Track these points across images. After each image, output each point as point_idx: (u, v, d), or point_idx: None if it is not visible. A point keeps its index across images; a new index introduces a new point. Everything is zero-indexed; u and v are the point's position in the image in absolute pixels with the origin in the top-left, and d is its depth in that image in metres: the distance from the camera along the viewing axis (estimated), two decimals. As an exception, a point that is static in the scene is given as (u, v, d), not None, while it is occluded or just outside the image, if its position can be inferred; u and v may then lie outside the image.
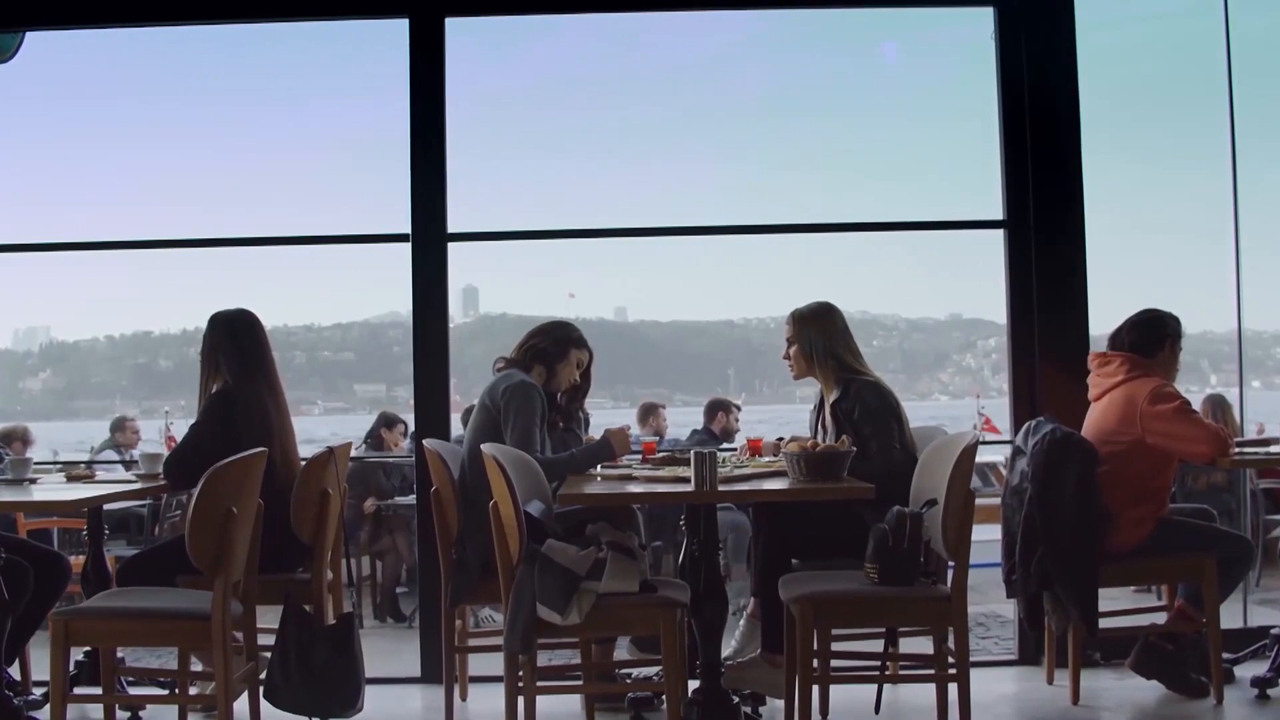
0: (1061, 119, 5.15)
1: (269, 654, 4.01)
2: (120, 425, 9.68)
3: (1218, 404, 8.06)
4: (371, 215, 5.24)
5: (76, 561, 4.76)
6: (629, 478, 4.08)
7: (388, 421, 8.43)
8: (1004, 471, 9.59)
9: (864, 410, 4.33)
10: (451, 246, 5.23)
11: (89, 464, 7.25)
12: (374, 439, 8.47)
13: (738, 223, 5.60)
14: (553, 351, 4.56)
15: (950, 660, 3.84)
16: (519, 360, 4.54)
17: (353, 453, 8.30)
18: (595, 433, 4.71)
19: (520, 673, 3.69)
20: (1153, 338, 4.51)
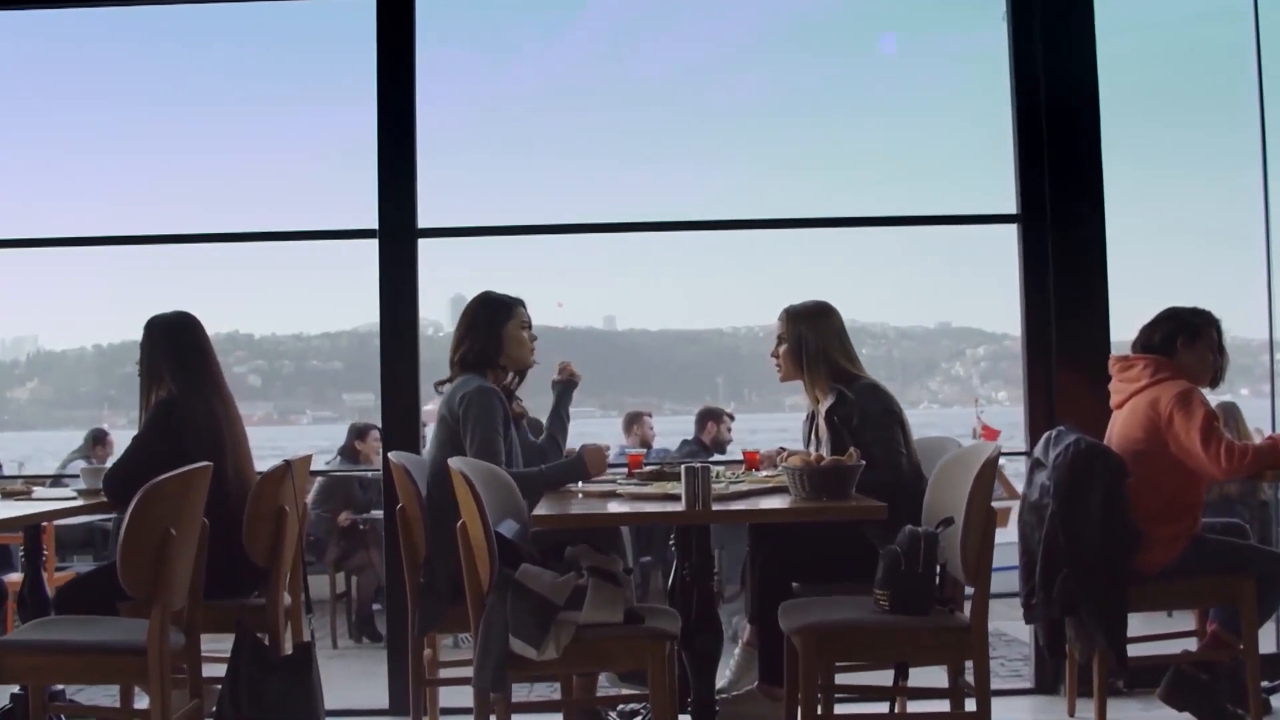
0: (1079, 104, 4.83)
1: (221, 687, 3.68)
2: (102, 439, 9.29)
3: (1229, 412, 7.76)
4: (360, 217, 4.88)
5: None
6: (613, 495, 3.71)
7: (358, 432, 8.09)
8: (1009, 477, 9.34)
9: (864, 416, 4.00)
10: (427, 245, 4.89)
11: (57, 477, 6.90)
12: (348, 452, 8.12)
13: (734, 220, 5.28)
14: (488, 349, 4.14)
15: (967, 694, 3.50)
16: (458, 376, 4.14)
17: (326, 466, 8.09)
18: (575, 441, 4.37)
19: (493, 713, 3.33)
20: (1163, 336, 4.18)
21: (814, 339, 4.13)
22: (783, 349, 4.20)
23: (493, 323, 4.15)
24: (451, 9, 5.19)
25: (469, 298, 4.24)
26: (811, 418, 4.27)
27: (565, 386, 4.43)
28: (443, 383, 4.18)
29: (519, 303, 4.22)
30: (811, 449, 4.20)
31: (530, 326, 4.23)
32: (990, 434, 13.22)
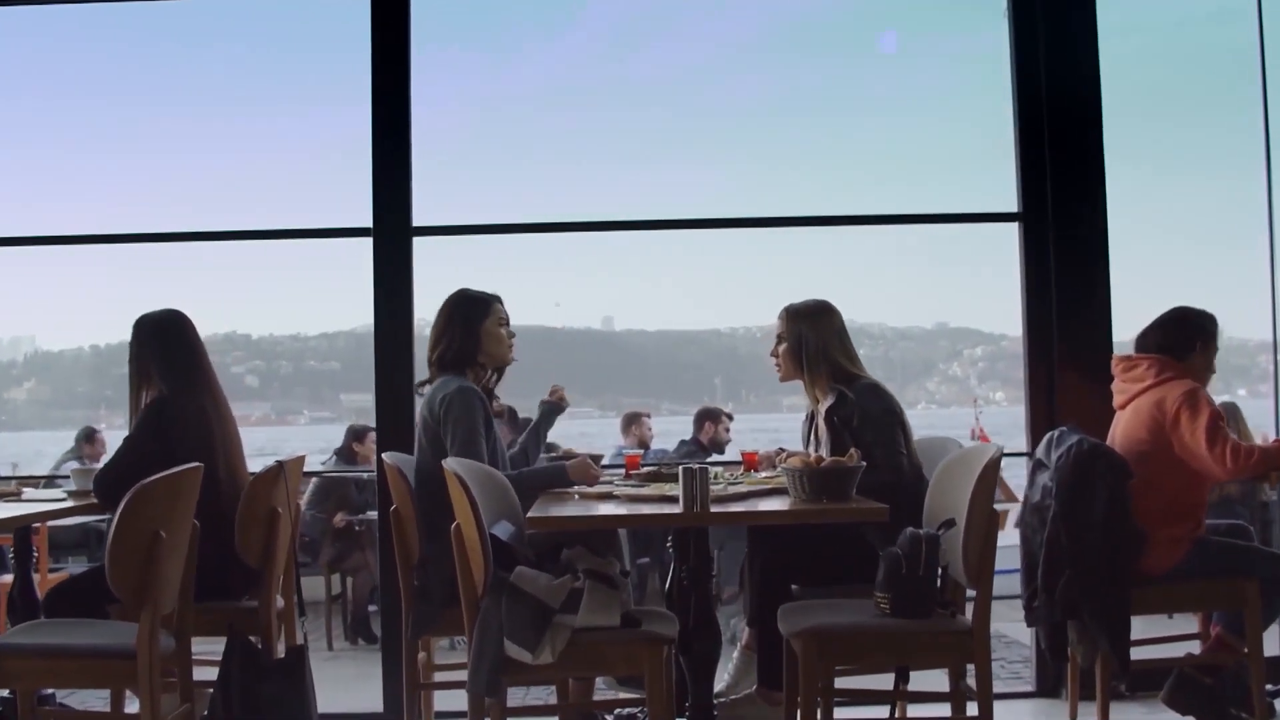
0: (1082, 100, 4.79)
1: (212, 691, 3.62)
2: (90, 437, 9.25)
3: (1231, 413, 7.70)
4: (358, 217, 4.81)
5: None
6: (609, 496, 3.65)
7: (357, 434, 8.03)
8: (1005, 480, 9.29)
9: (864, 416, 3.94)
10: (424, 245, 4.83)
11: (50, 478, 6.85)
12: (345, 453, 8.07)
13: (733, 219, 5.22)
14: (466, 347, 4.05)
15: (969, 697, 3.44)
16: (437, 377, 4.06)
17: (321, 468, 8.03)
18: (575, 443, 4.31)
19: (488, 717, 3.27)
20: (1183, 338, 4.10)
21: (814, 338, 4.07)
22: (782, 348, 4.15)
23: (470, 321, 4.07)
24: (451, 9, 5.13)
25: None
26: (811, 418, 4.21)
27: (551, 409, 4.36)
28: (423, 384, 4.12)
29: (495, 299, 4.14)
30: (811, 449, 4.15)
31: (508, 323, 4.16)
32: (985, 441, 13.18)
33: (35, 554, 4.30)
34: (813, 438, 4.19)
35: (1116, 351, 4.52)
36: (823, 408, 4.05)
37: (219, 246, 5.16)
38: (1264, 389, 4.94)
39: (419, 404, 4.07)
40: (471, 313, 4.08)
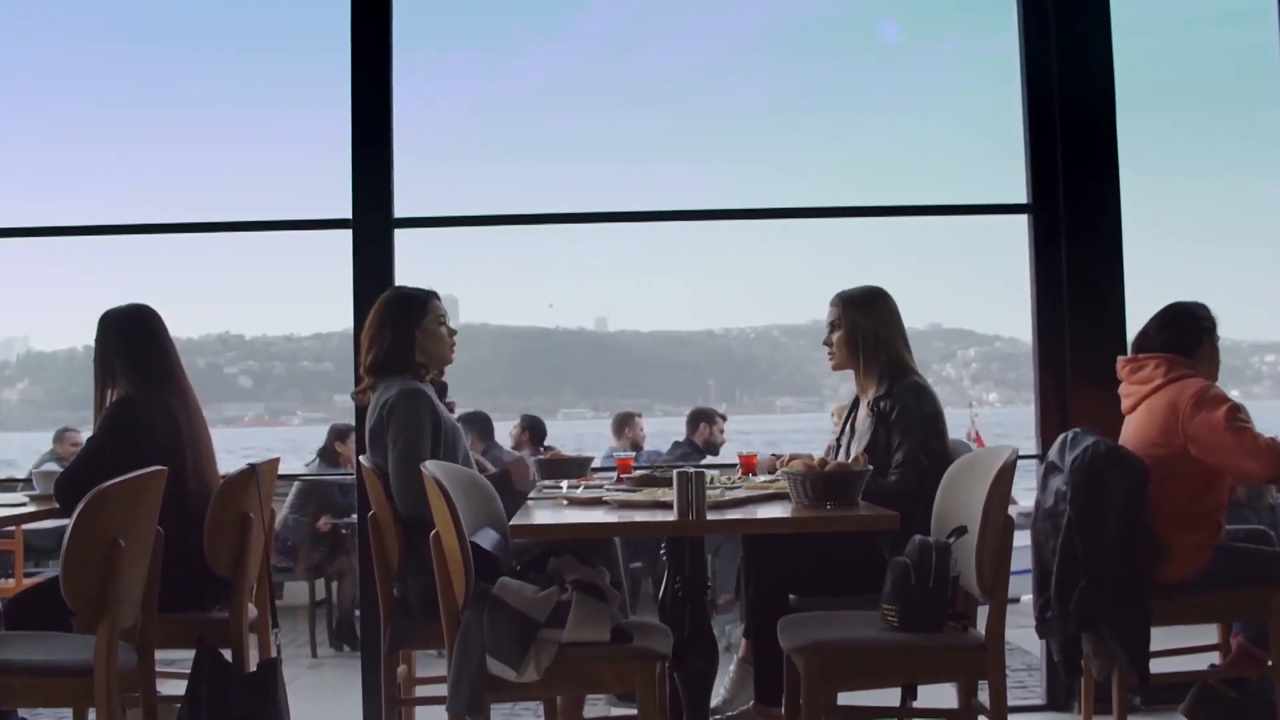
0: (1094, 88, 4.59)
1: (180, 705, 3.43)
2: (61, 436, 9.06)
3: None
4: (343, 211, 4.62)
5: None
6: (599, 501, 3.45)
7: (339, 434, 7.82)
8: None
9: (901, 412, 3.81)
10: (419, 243, 4.67)
11: (29, 480, 6.65)
12: (328, 454, 7.86)
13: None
14: (397, 350, 3.85)
15: (980, 714, 3.24)
16: (375, 385, 3.87)
17: (303, 470, 7.82)
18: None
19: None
20: (1190, 333, 3.90)
21: (874, 326, 3.94)
22: (836, 336, 3.99)
23: (403, 323, 3.86)
24: (449, 10, 4.94)
25: (456, 297, 3.97)
26: (851, 408, 4.07)
27: None
28: (360, 391, 3.93)
29: (432, 295, 3.93)
30: (846, 437, 3.99)
31: (446, 320, 3.96)
32: (979, 444, 13.00)
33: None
34: (849, 428, 4.05)
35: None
36: (870, 396, 3.92)
37: (210, 247, 5.05)
38: (1258, 390, 4.75)
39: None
40: (405, 314, 3.88)
